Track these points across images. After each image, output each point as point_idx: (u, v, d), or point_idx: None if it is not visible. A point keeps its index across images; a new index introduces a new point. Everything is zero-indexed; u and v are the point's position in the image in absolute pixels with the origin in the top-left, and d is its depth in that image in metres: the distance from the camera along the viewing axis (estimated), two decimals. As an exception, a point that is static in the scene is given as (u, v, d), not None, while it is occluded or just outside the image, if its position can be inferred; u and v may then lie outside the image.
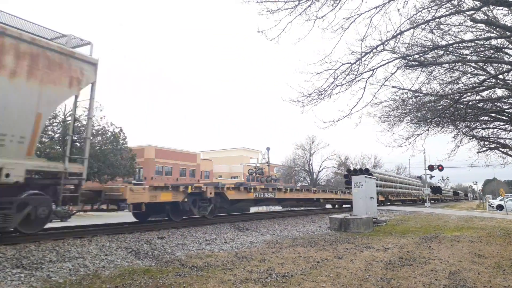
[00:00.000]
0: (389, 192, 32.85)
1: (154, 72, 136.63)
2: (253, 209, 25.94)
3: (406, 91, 12.01)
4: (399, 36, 8.58)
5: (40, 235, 8.24)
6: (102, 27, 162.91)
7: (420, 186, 48.65)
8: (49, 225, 10.55)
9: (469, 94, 12.48)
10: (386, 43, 8.56)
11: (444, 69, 13.04)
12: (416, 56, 9.73)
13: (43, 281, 5.39)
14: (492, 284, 5.70)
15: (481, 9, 9.19)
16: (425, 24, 8.71)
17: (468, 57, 11.58)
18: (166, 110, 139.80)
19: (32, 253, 6.65)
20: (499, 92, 14.26)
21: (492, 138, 17.25)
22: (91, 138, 34.92)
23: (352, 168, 33.30)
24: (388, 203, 32.72)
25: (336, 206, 26.36)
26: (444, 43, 10.61)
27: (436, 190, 63.73)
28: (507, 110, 13.95)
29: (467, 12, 8.83)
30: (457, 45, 10.79)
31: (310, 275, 6.05)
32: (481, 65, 12.54)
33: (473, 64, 12.65)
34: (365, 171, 28.60)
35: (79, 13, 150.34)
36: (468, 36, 11.70)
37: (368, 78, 9.13)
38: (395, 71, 9.65)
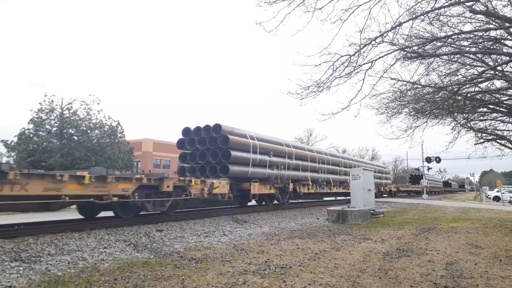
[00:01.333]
0: (288, 178, 17.46)
1: (152, 65, 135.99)
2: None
3: (404, 82, 11.96)
4: (398, 27, 8.52)
5: (39, 228, 8.23)
6: (100, 26, 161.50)
7: (383, 173, 34.99)
8: (44, 218, 10.56)
9: (467, 85, 12.45)
10: (385, 34, 8.49)
11: (443, 60, 12.99)
12: (415, 47, 9.67)
13: (42, 274, 5.39)
14: (489, 274, 5.74)
15: (481, 0, 9.14)
16: (424, 15, 8.65)
17: (467, 49, 11.53)
18: (164, 103, 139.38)
19: (30, 246, 6.65)
20: (498, 83, 14.24)
21: (489, 130, 17.27)
22: (89, 131, 34.90)
23: (192, 128, 15.09)
24: (287, 201, 17.54)
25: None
26: (443, 34, 10.55)
27: (416, 179, 50.19)
28: (505, 102, 13.94)
29: (467, 3, 8.77)
30: (456, 36, 10.73)
31: (308, 266, 6.07)
32: (480, 56, 12.49)
33: (472, 56, 12.59)
34: (214, 130, 14.32)
35: (79, 12, 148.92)
36: (467, 27, 11.64)
37: (367, 70, 9.08)
38: (394, 63, 9.62)
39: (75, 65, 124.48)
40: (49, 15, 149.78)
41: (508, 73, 12.95)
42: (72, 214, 12.20)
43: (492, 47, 10.82)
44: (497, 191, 39.64)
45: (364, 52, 8.76)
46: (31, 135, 32.95)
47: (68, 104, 35.52)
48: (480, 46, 11.15)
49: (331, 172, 22.75)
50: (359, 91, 9.28)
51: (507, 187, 49.27)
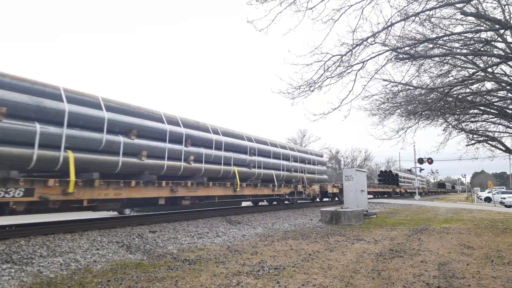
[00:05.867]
0: None
1: (143, 64, 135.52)
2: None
3: (396, 84, 12.04)
4: (390, 28, 8.56)
5: (30, 229, 8.15)
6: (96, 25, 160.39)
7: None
8: (39, 219, 10.45)
9: (458, 87, 12.57)
10: (377, 35, 8.53)
11: (434, 62, 13.11)
12: (407, 48, 9.73)
13: (34, 276, 5.34)
14: (481, 274, 5.80)
15: (471, 2, 9.23)
16: (416, 16, 8.72)
17: (458, 50, 11.64)
18: (155, 102, 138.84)
19: (22, 248, 6.58)
20: (488, 85, 14.40)
21: (481, 131, 17.42)
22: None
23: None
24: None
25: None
26: (434, 36, 10.65)
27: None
28: (495, 103, 14.09)
29: (457, 5, 8.86)
30: (447, 38, 10.83)
31: (302, 267, 6.08)
32: (471, 58, 12.63)
33: (462, 57, 12.72)
34: None
35: (78, 12, 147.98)
36: (458, 29, 11.76)
37: (359, 70, 9.11)
38: (386, 64, 9.64)
39: (66, 63, 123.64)
40: (48, 14, 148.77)
41: (499, 74, 13.11)
42: (65, 214, 12.10)
43: (482, 48, 10.94)
44: (488, 192, 40.05)
45: (356, 52, 8.79)
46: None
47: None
48: (471, 48, 11.27)
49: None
50: (350, 91, 9.31)
51: (498, 188, 49.85)
